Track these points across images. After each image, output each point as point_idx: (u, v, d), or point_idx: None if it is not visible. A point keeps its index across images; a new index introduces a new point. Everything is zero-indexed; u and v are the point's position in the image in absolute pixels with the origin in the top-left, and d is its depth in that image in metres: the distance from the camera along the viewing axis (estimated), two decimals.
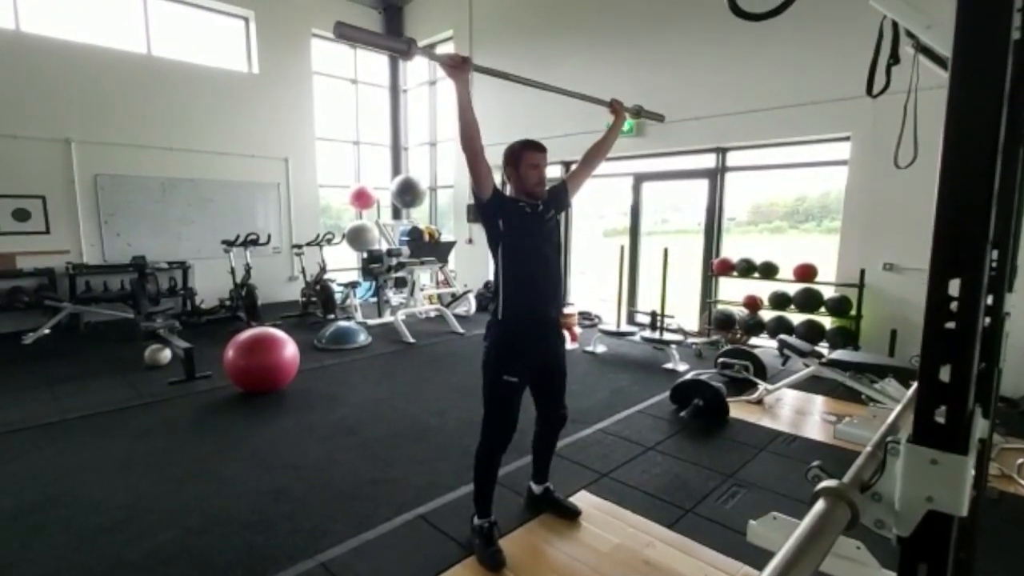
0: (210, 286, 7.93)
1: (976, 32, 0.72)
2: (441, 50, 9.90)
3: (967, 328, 0.73)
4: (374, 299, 8.11)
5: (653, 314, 6.03)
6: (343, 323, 6.57)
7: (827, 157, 5.73)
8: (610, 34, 7.08)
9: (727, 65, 6.04)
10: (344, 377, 5.12)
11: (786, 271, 5.80)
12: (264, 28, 8.65)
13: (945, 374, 0.75)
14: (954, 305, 0.74)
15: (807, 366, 4.13)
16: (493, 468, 2.43)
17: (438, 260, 8.06)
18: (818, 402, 4.42)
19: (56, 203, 7.02)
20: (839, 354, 4.16)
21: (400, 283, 7.93)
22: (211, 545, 2.50)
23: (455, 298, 8.36)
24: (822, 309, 5.49)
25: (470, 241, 9.24)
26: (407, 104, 10.67)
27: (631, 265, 7.30)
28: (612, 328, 6.30)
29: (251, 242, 7.37)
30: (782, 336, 4.51)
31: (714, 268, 6.30)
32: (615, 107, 2.84)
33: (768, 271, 5.87)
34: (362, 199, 9.53)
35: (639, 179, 7.30)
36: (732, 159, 6.45)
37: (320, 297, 7.65)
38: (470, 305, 8.21)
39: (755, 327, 5.94)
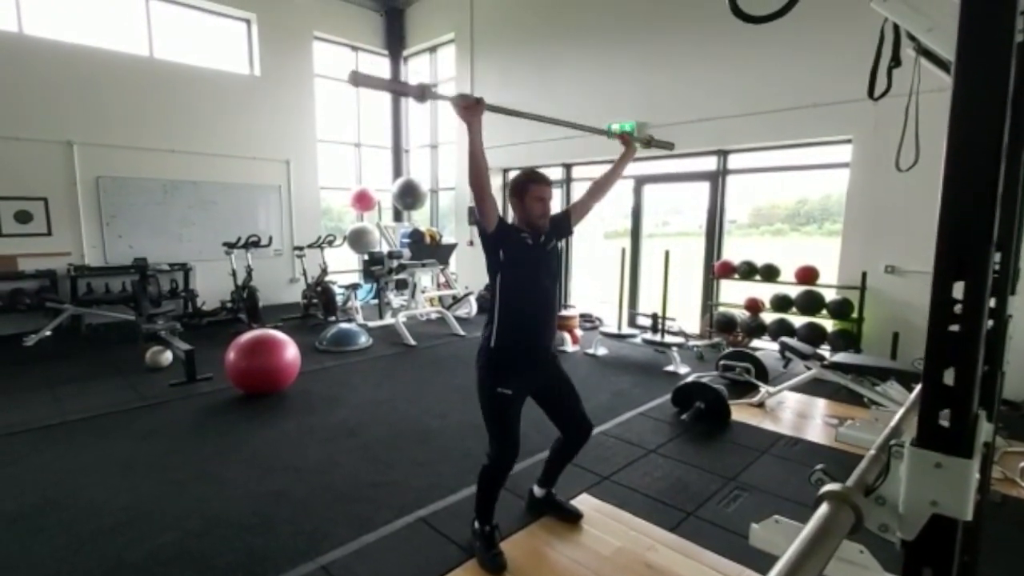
0: (211, 288, 7.93)
1: (979, 34, 0.72)
2: (442, 52, 9.94)
3: (971, 331, 0.73)
4: (375, 301, 8.11)
5: (654, 316, 6.02)
6: (344, 325, 6.57)
7: (828, 160, 5.73)
8: (611, 36, 7.08)
9: (728, 67, 6.04)
10: (345, 379, 5.12)
11: (787, 273, 5.80)
12: (266, 30, 8.67)
13: (949, 377, 0.75)
14: (958, 308, 0.74)
15: (809, 369, 4.12)
16: (497, 487, 2.40)
17: (439, 262, 8.06)
18: (820, 405, 4.41)
19: (58, 205, 7.03)
20: (841, 357, 4.15)
21: (401, 285, 7.93)
22: (212, 547, 2.49)
23: (456, 300, 8.36)
24: (824, 311, 5.48)
25: (471, 243, 9.24)
26: (408, 106, 10.68)
27: (632, 267, 7.30)
28: (613, 330, 6.30)
29: (252, 244, 7.38)
30: (783, 338, 4.51)
31: (715, 270, 6.29)
32: (626, 140, 2.81)
33: (769, 273, 5.86)
34: (363, 201, 9.53)
35: (640, 181, 7.30)
36: (733, 162, 6.45)
37: (321, 299, 7.65)
38: (471, 307, 8.21)
39: (756, 329, 5.93)
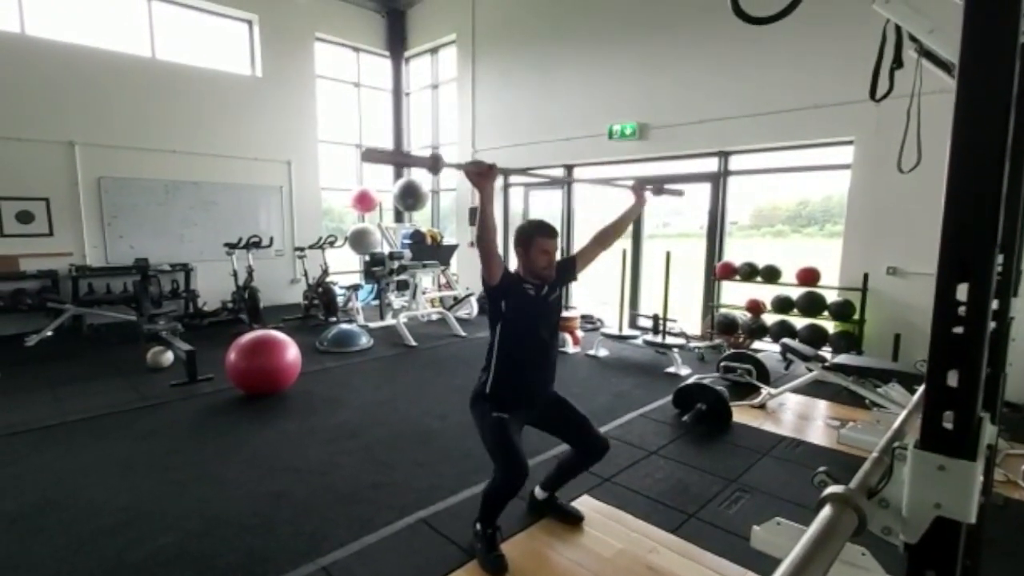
0: (212, 288, 7.94)
1: (983, 36, 0.72)
2: (443, 54, 9.94)
3: (975, 332, 0.73)
4: (376, 302, 8.11)
5: (655, 318, 6.02)
6: (345, 326, 6.57)
7: (830, 161, 5.73)
8: (612, 37, 7.09)
9: (730, 68, 6.04)
10: (346, 380, 5.12)
11: (789, 275, 5.79)
12: (268, 32, 8.68)
13: (953, 379, 0.75)
14: (961, 310, 0.74)
15: (810, 370, 4.11)
16: (503, 505, 2.38)
17: (440, 263, 8.06)
18: (821, 407, 4.40)
19: (60, 205, 7.04)
20: (842, 358, 4.15)
21: (402, 286, 7.93)
22: (212, 548, 2.49)
23: (457, 301, 8.36)
24: (825, 313, 5.48)
25: (472, 244, 9.23)
26: (410, 107, 10.69)
27: (633, 269, 7.29)
28: (614, 332, 6.29)
29: (253, 245, 7.38)
30: (785, 340, 4.50)
31: (716, 272, 6.29)
32: (637, 192, 2.83)
33: (771, 275, 5.86)
34: (364, 202, 9.53)
35: (641, 183, 7.29)
36: (734, 163, 6.45)
37: (322, 300, 7.65)
38: (472, 308, 8.21)
39: (758, 331, 5.92)
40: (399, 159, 2.68)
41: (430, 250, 8.18)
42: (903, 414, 1.17)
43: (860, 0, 2.66)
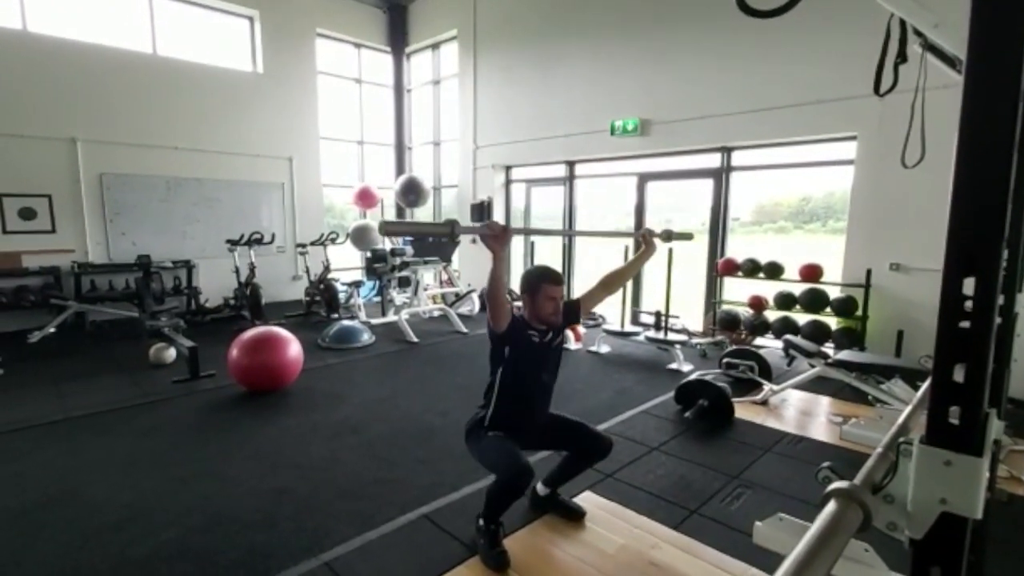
0: (214, 285, 7.95)
1: (991, 28, 0.71)
2: (445, 50, 9.92)
3: (982, 327, 0.72)
4: (378, 298, 8.12)
5: (657, 314, 6.01)
6: (347, 322, 6.57)
7: (833, 157, 5.70)
8: (614, 32, 7.06)
9: (732, 64, 6.01)
10: (348, 376, 5.12)
11: (791, 271, 5.77)
12: (269, 28, 8.66)
13: (959, 374, 0.74)
14: (968, 304, 0.73)
15: (813, 367, 4.10)
16: (507, 504, 2.37)
17: (442, 260, 8.06)
18: (824, 403, 4.40)
19: (62, 202, 7.05)
20: (845, 354, 4.14)
21: (404, 283, 7.93)
22: (214, 544, 2.50)
23: (459, 298, 8.36)
24: (828, 309, 5.46)
25: (474, 241, 9.24)
26: (411, 103, 10.67)
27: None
28: (616, 328, 6.29)
29: (255, 241, 7.39)
30: (787, 336, 4.49)
31: (719, 268, 6.27)
32: (646, 239, 2.80)
33: (773, 271, 5.84)
34: (366, 199, 9.53)
35: (643, 179, 7.29)
36: (737, 159, 6.43)
37: (324, 296, 7.66)
38: (474, 305, 8.21)
39: (760, 327, 5.91)
40: (417, 229, 2.72)
41: (432, 246, 8.18)
42: (907, 409, 1.16)
43: None
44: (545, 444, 2.61)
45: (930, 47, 2.48)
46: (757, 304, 5.94)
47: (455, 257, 8.90)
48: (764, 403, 4.29)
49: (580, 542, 2.50)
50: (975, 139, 0.71)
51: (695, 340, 6.05)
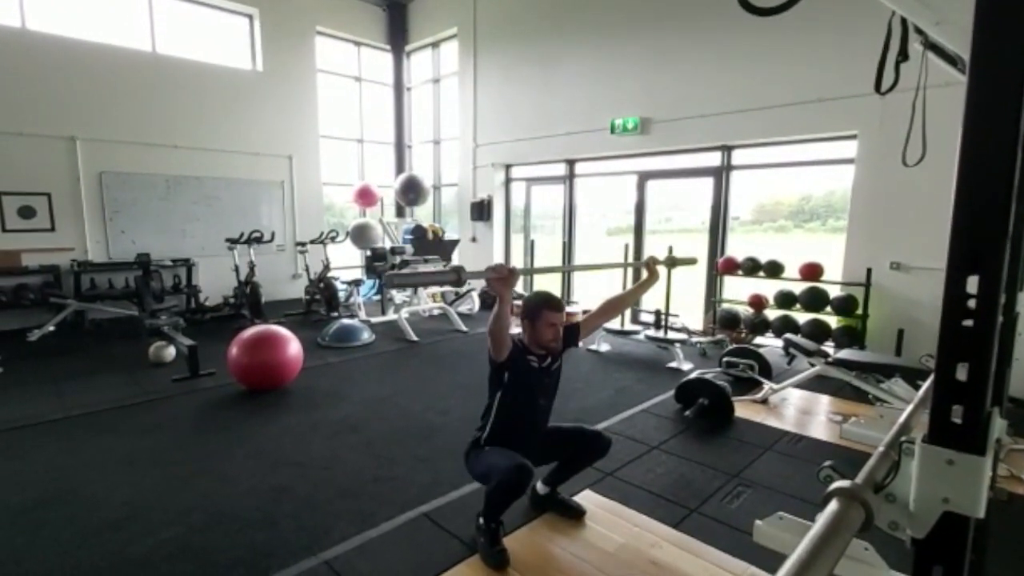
0: (214, 284, 7.94)
1: (995, 26, 0.70)
2: (444, 48, 9.90)
3: (986, 325, 0.72)
4: (377, 297, 8.11)
5: (657, 313, 6.01)
6: (347, 321, 6.57)
7: (833, 155, 5.70)
8: (614, 31, 7.05)
9: (733, 62, 6.01)
10: (347, 375, 5.12)
11: (791, 270, 5.77)
12: (268, 26, 8.65)
13: (962, 373, 0.74)
14: (971, 303, 0.73)
15: (813, 365, 4.10)
16: (508, 503, 2.35)
17: (442, 258, 8.05)
18: (824, 402, 4.40)
19: (61, 200, 7.04)
20: (845, 353, 4.13)
21: None
22: (214, 542, 2.50)
23: (459, 296, 8.36)
24: (828, 308, 5.46)
25: (474, 239, 9.24)
26: (411, 102, 10.66)
27: (636, 261, 7.27)
28: (616, 327, 6.28)
29: (255, 240, 7.38)
30: (787, 335, 4.49)
31: (719, 267, 6.27)
32: (650, 267, 2.80)
33: (773, 270, 5.84)
34: (366, 197, 9.52)
35: (643, 177, 7.28)
36: (737, 157, 6.42)
37: (324, 295, 7.65)
38: (474, 303, 8.21)
39: (760, 326, 5.91)
40: (423, 280, 2.73)
41: (432, 245, 8.19)
42: (909, 408, 1.16)
43: None
44: (544, 459, 2.61)
45: (931, 45, 2.47)
46: (757, 303, 5.94)
47: (455, 256, 8.90)
48: (764, 402, 4.29)
49: (580, 541, 2.50)
50: (979, 137, 0.71)
51: (695, 339, 6.04)
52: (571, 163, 8.01)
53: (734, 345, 5.25)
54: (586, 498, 2.83)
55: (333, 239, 8.38)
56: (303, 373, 4.84)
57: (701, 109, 6.27)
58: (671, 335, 5.74)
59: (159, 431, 3.78)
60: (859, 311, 5.28)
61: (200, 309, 7.47)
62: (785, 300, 5.71)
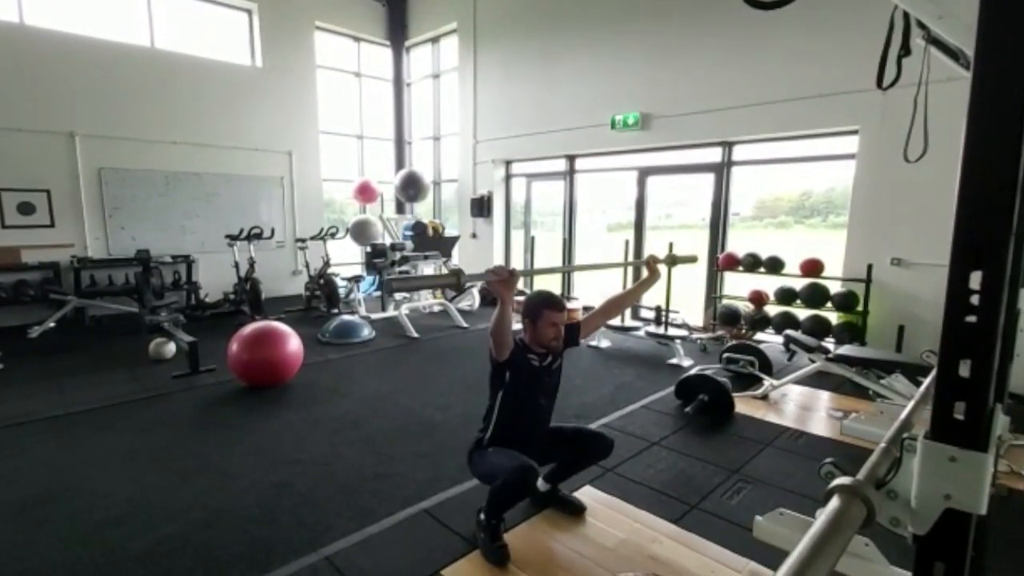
0: (214, 280, 7.94)
1: (1000, 19, 0.70)
2: (444, 43, 9.87)
3: (989, 322, 0.71)
4: (378, 293, 8.11)
5: (658, 309, 6.01)
6: (347, 317, 6.57)
7: (834, 151, 5.68)
8: (615, 26, 7.02)
9: (733, 57, 5.98)
10: (348, 371, 5.12)
11: (792, 266, 5.76)
12: (267, 21, 8.61)
13: (965, 369, 0.74)
14: (974, 299, 0.72)
15: (813, 361, 4.10)
16: (510, 503, 2.36)
17: (442, 254, 8.05)
18: (824, 398, 4.40)
19: (61, 197, 7.03)
20: (845, 349, 4.14)
21: None
22: (215, 539, 2.50)
23: (459, 292, 8.35)
24: (828, 304, 5.46)
25: (474, 236, 9.23)
26: (411, 98, 10.63)
27: (636, 260, 7.27)
28: (616, 323, 6.28)
29: (255, 236, 7.37)
30: (788, 331, 4.49)
31: (719, 263, 6.26)
32: (650, 266, 2.80)
33: (774, 266, 5.83)
34: (366, 193, 9.51)
35: (644, 173, 7.26)
36: (738, 153, 6.41)
37: (324, 291, 7.65)
38: (474, 300, 8.20)
39: (760, 322, 5.91)
40: (423, 284, 2.73)
41: (432, 241, 8.17)
42: (910, 405, 1.15)
43: None
44: (546, 459, 2.60)
45: (933, 40, 2.46)
46: (757, 299, 5.94)
47: (455, 252, 8.89)
48: (764, 398, 4.29)
49: (580, 537, 2.50)
50: (983, 132, 0.70)
51: (695, 335, 6.05)
52: (571, 159, 7.99)
53: (734, 341, 5.25)
54: (586, 494, 2.83)
55: (333, 235, 8.37)
56: (303, 369, 4.84)
57: (702, 105, 6.25)
58: (671, 331, 5.74)
59: (159, 427, 3.78)
60: (860, 307, 5.27)
61: (200, 305, 7.47)
62: (785, 296, 5.71)
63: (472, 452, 2.54)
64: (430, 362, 5.52)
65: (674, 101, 6.52)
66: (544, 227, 8.97)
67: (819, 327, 5.41)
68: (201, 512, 2.71)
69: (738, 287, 6.36)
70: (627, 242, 6.42)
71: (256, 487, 2.96)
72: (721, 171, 6.46)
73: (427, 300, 7.75)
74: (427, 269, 8.28)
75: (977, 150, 0.71)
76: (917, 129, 2.44)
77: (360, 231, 8.72)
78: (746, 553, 2.33)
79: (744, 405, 4.12)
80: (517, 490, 2.30)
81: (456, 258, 9.09)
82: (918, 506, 0.78)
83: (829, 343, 5.10)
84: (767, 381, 4.41)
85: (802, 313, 5.62)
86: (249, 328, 4.60)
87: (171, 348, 5.40)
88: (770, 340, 5.84)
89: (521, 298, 2.60)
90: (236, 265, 7.35)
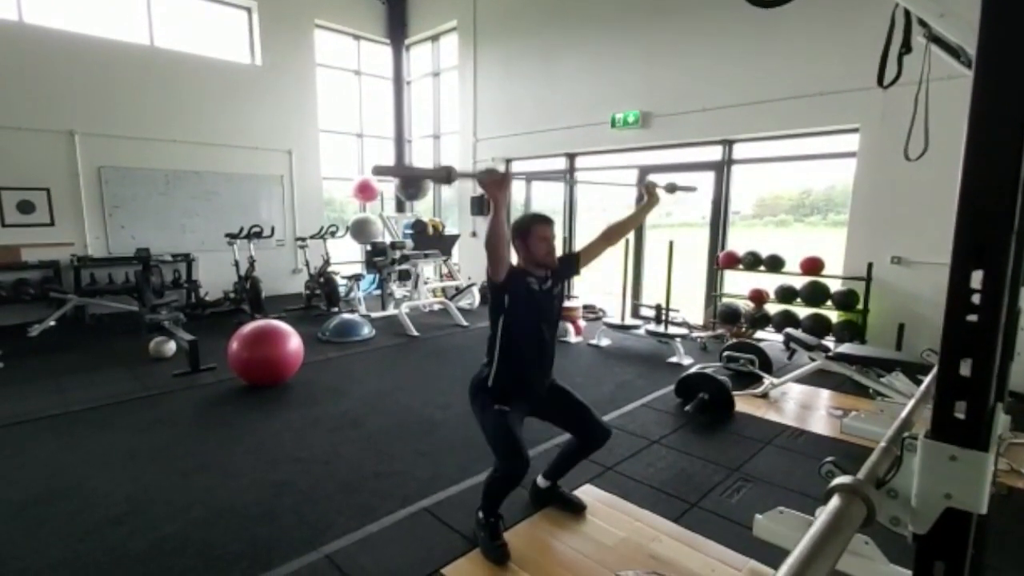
0: (214, 279, 7.94)
1: (1002, 16, 0.69)
2: (444, 41, 9.85)
3: (990, 321, 0.71)
4: (378, 292, 8.11)
5: (658, 307, 6.00)
6: (347, 316, 6.57)
7: (835, 149, 5.67)
8: (615, 24, 7.01)
9: (734, 55, 5.98)
10: (348, 370, 5.12)
11: (792, 264, 5.76)
12: (267, 19, 8.60)
13: (966, 368, 0.74)
14: (975, 298, 0.72)
15: (813, 360, 4.10)
16: (505, 494, 2.38)
17: (442, 253, 8.04)
18: (824, 396, 4.40)
19: (60, 195, 7.03)
20: (846, 348, 4.13)
21: (404, 276, 7.91)
22: (216, 537, 2.50)
23: (459, 291, 8.35)
24: (828, 303, 5.45)
25: (474, 234, 9.22)
26: (411, 96, 10.62)
27: (636, 258, 7.26)
28: (616, 321, 6.28)
29: (255, 235, 7.37)
30: (788, 330, 4.49)
31: (719, 261, 6.26)
32: (649, 190, 2.83)
33: (774, 264, 5.82)
34: (366, 192, 9.50)
35: (644, 171, 7.25)
36: (738, 151, 6.40)
37: (324, 290, 7.65)
38: (474, 298, 8.20)
39: (760, 321, 5.91)
40: (410, 172, 2.69)
41: (432, 240, 8.16)
42: (911, 403, 1.15)
43: None
44: (549, 415, 2.59)
45: (934, 38, 2.46)
46: (758, 297, 5.93)
47: (455, 250, 8.88)
48: (764, 396, 4.29)
49: (580, 535, 2.50)
50: (984, 129, 0.70)
51: (695, 333, 6.05)
52: (571, 157, 7.98)
53: (734, 340, 5.25)
54: (586, 492, 2.84)
55: (333, 234, 8.36)
56: (303, 368, 4.84)
57: (702, 103, 6.24)
58: (671, 330, 5.74)
59: (160, 426, 3.78)
60: (860, 306, 5.27)
61: (200, 304, 7.47)
62: (786, 295, 5.70)
63: (475, 392, 2.50)
64: (430, 360, 5.52)
65: (674, 99, 6.51)
66: None
67: (819, 325, 5.41)
68: (202, 511, 2.71)
69: (738, 285, 6.35)
70: (627, 241, 6.41)
71: (256, 485, 2.96)
72: (721, 169, 6.46)
73: (427, 299, 7.75)
74: (427, 267, 8.29)
75: (978, 148, 0.70)
76: (918, 127, 2.44)
77: (360, 229, 8.70)
78: (746, 551, 2.33)
79: (744, 403, 4.12)
80: (510, 481, 2.32)
81: (456, 256, 9.10)
82: (918, 505, 0.78)
83: (829, 341, 5.10)
84: (767, 380, 4.41)
85: (802, 311, 5.62)
86: (249, 327, 4.60)
87: (171, 347, 5.41)
88: (770, 338, 5.84)
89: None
90: (236, 264, 7.34)
